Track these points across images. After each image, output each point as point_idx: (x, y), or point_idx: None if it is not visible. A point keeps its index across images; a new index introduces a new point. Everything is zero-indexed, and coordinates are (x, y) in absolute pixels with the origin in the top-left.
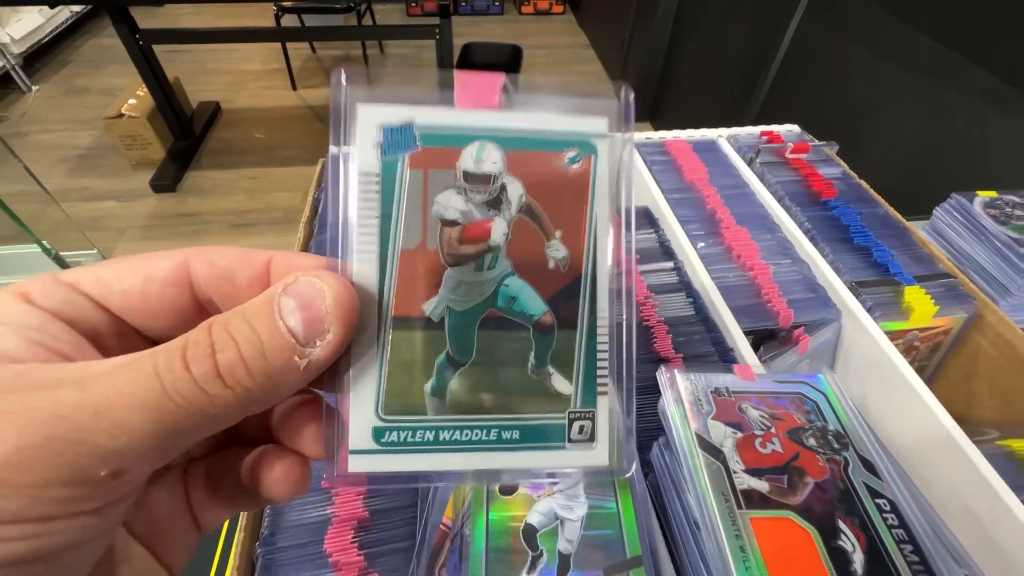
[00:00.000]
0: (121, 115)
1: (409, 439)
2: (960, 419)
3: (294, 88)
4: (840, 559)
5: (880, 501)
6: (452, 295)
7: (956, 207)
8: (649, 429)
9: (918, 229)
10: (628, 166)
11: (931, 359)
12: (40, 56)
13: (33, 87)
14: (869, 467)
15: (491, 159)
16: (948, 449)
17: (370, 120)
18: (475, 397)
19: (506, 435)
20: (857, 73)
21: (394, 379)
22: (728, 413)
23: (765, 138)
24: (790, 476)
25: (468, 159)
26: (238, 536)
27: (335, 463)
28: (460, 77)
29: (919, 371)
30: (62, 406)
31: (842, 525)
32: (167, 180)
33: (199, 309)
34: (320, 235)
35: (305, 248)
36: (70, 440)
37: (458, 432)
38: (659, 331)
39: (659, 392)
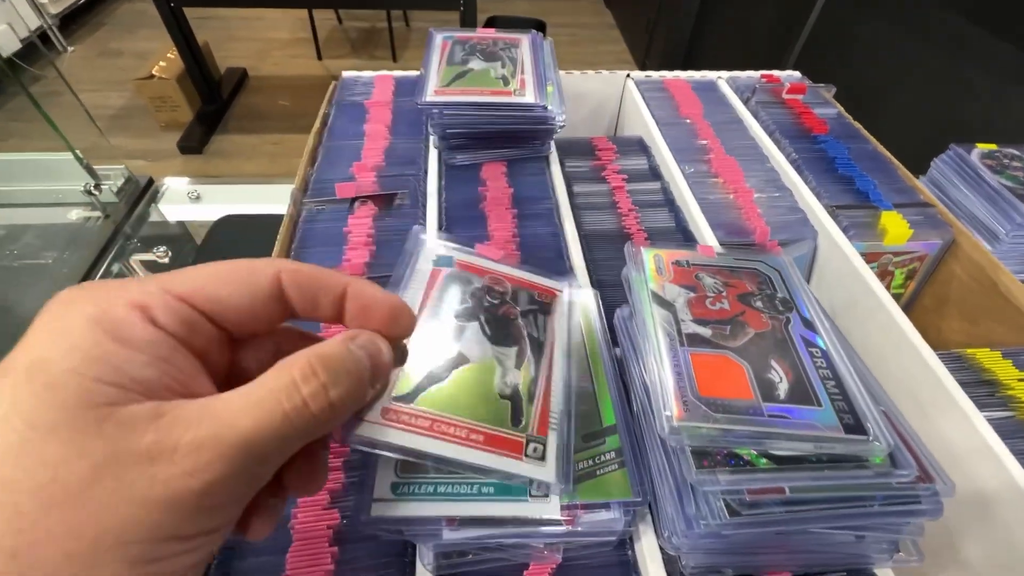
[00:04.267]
0: (152, 76)
1: None
2: (932, 345)
3: (319, 57)
4: (766, 386)
5: (813, 350)
6: None
7: (953, 157)
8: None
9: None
10: None
11: (906, 287)
12: (76, 17)
13: (69, 48)
14: (809, 325)
15: None
16: (902, 346)
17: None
18: None
19: None
20: (883, 50)
21: None
22: (685, 279)
23: (763, 79)
24: (733, 326)
25: None
26: None
27: None
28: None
29: (894, 299)
30: (229, 448)
31: (774, 363)
32: (194, 142)
33: (286, 317)
34: (328, 142)
35: (313, 154)
36: (244, 471)
37: None
38: (638, 238)
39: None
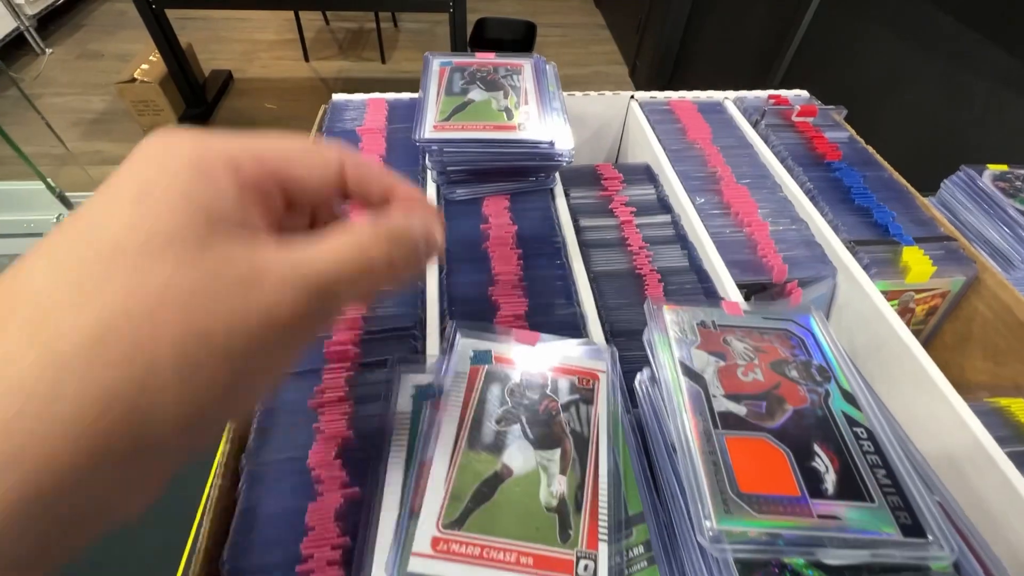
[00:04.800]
0: (134, 80)
1: None
2: (953, 385)
3: (306, 59)
4: (812, 477)
5: (858, 430)
6: None
7: (964, 179)
8: (637, 367)
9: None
10: None
11: (927, 323)
12: (54, 19)
13: (47, 50)
14: (850, 399)
15: None
16: (935, 401)
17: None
18: None
19: None
20: (877, 53)
21: None
22: (712, 344)
23: (772, 101)
24: (769, 403)
25: None
26: (223, 447)
27: None
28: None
29: (914, 335)
30: (311, 284)
31: (817, 448)
32: None
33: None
34: None
35: None
36: (320, 308)
37: None
38: (651, 279)
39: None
